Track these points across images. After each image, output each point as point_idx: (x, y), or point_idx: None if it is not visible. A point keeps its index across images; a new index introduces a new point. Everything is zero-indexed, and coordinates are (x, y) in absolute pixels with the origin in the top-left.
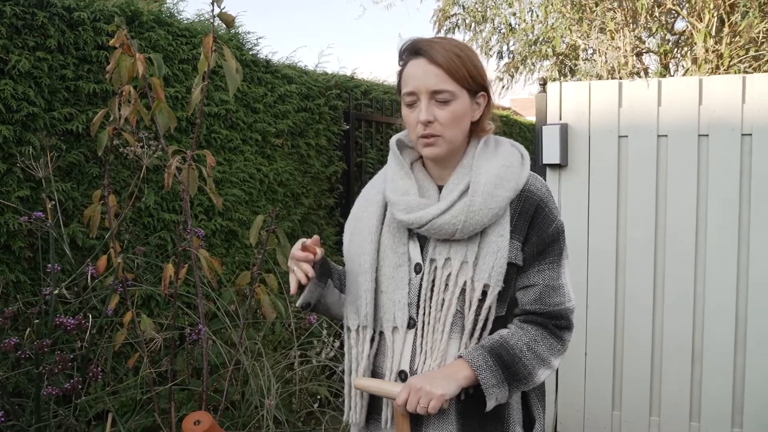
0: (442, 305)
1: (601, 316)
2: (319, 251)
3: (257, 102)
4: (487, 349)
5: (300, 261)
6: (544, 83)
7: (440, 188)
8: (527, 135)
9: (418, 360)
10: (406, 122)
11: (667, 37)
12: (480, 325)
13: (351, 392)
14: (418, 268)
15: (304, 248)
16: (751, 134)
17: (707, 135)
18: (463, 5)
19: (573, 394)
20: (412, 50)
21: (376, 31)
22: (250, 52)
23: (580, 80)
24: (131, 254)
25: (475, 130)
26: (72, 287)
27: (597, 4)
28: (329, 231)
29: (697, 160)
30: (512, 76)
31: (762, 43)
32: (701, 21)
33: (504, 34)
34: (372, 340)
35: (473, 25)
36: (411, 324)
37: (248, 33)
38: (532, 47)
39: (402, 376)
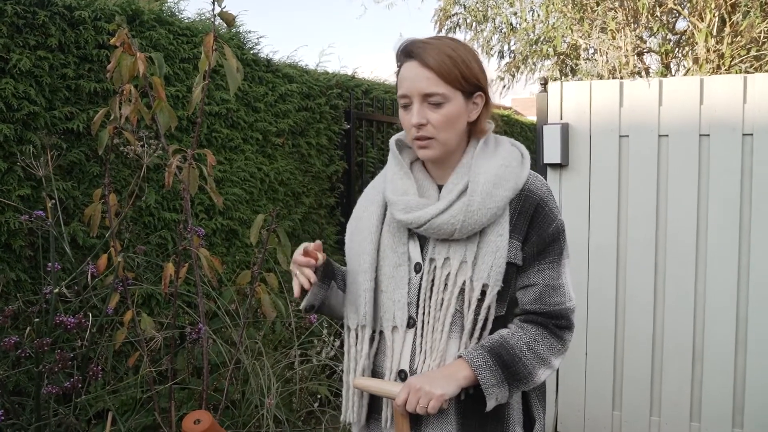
0: (441, 305)
1: (601, 316)
2: (321, 256)
3: (258, 101)
4: (486, 348)
5: (302, 266)
6: (545, 83)
7: (440, 188)
8: (528, 134)
9: (417, 359)
10: (402, 124)
11: (668, 37)
12: (479, 324)
13: (349, 391)
14: (417, 268)
15: (306, 253)
16: (752, 134)
17: (708, 135)
18: (464, 5)
19: (573, 394)
20: (405, 52)
21: (377, 31)
22: (251, 52)
23: (581, 80)
24: (132, 253)
25: (474, 130)
26: (72, 286)
27: (598, 4)
28: (330, 230)
29: (698, 160)
30: (513, 76)
31: (763, 42)
32: (702, 21)
33: (505, 33)
34: (372, 339)
35: (474, 24)
36: (411, 323)
37: (249, 32)
38: (533, 47)
39: (402, 375)
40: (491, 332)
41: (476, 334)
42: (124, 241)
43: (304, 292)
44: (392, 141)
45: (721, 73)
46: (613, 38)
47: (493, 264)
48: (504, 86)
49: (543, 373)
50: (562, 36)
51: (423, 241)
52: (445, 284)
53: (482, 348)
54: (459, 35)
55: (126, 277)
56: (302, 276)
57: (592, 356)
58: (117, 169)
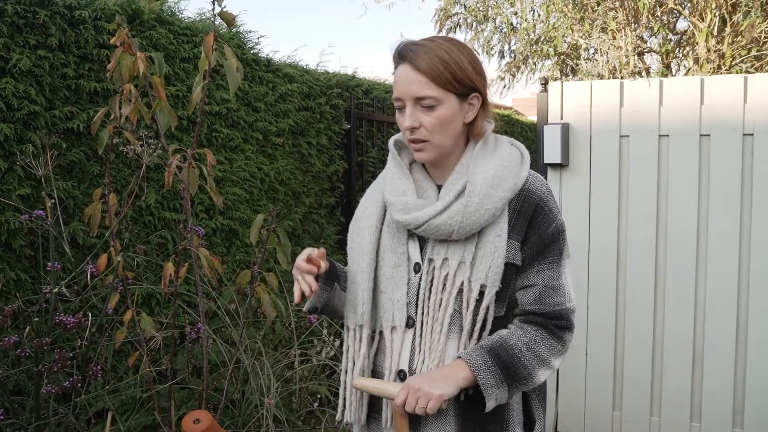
0: (440, 305)
1: (601, 317)
2: (324, 264)
3: (258, 101)
4: (486, 349)
5: (304, 272)
6: (545, 83)
7: (440, 188)
8: (529, 134)
9: (416, 360)
10: (398, 125)
11: (668, 37)
12: (478, 325)
13: (346, 390)
14: (417, 268)
15: (309, 260)
16: (752, 134)
17: (709, 135)
18: (464, 4)
19: (573, 395)
20: (399, 55)
21: (378, 31)
22: (252, 51)
23: (582, 80)
24: (132, 253)
25: (471, 131)
26: (72, 285)
27: (599, 4)
28: (330, 230)
29: (699, 160)
30: (514, 76)
31: (764, 43)
32: (703, 21)
33: (505, 33)
34: (372, 339)
35: (475, 24)
36: (410, 323)
37: (249, 32)
38: (534, 47)
39: (401, 375)
40: (491, 333)
41: (475, 334)
42: (124, 241)
43: (304, 297)
44: (391, 142)
45: (721, 73)
46: (614, 38)
47: (491, 265)
48: (504, 86)
49: (543, 374)
50: (563, 36)
51: (423, 242)
52: (444, 285)
53: (481, 348)
54: (459, 35)
55: (126, 276)
56: (303, 283)
57: (592, 356)
58: (117, 169)
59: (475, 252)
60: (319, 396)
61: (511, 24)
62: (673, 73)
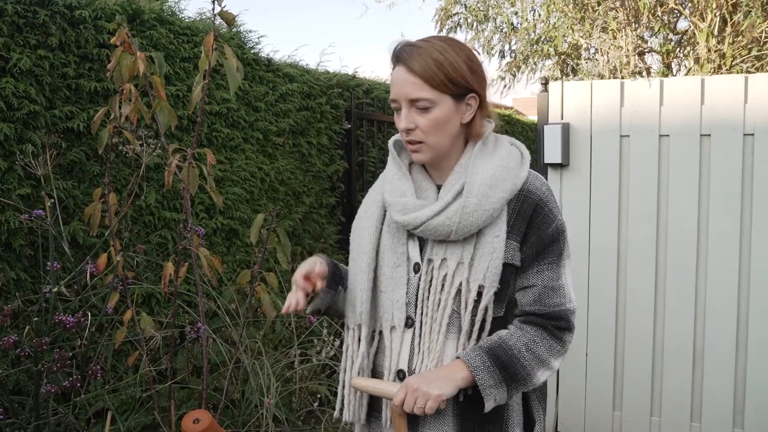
0: (439, 305)
1: (602, 317)
2: (320, 284)
3: (258, 101)
4: (485, 349)
5: (298, 287)
6: (545, 83)
7: (440, 188)
8: (529, 134)
9: (416, 359)
10: (397, 126)
11: (669, 37)
12: (477, 325)
13: (345, 389)
14: (416, 268)
15: (307, 277)
16: (753, 134)
17: (709, 135)
18: (465, 4)
19: (574, 395)
20: (395, 56)
21: (378, 31)
22: (252, 51)
23: (582, 80)
24: (132, 252)
25: (469, 132)
26: (72, 285)
27: (599, 4)
28: (330, 230)
29: (699, 160)
30: (514, 76)
31: (765, 42)
32: (704, 20)
33: (506, 33)
34: (372, 339)
35: (475, 24)
36: (409, 323)
37: (250, 32)
38: (534, 46)
39: (400, 375)
40: (491, 333)
41: (474, 335)
42: (124, 241)
43: (311, 300)
44: (391, 142)
45: (722, 73)
46: (614, 38)
47: (489, 265)
48: (505, 86)
49: (542, 375)
50: (563, 36)
51: (422, 242)
52: (443, 285)
53: (480, 349)
54: (460, 35)
55: (126, 276)
56: (293, 297)
57: (592, 356)
58: (117, 169)
59: (474, 252)
60: (319, 396)
61: (512, 24)
62: (674, 73)
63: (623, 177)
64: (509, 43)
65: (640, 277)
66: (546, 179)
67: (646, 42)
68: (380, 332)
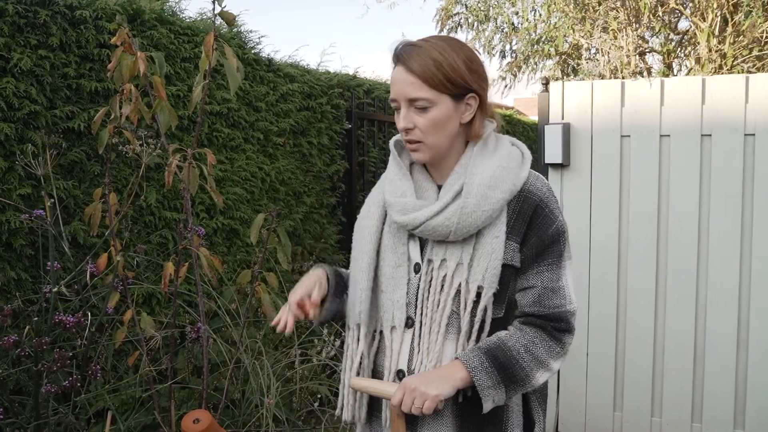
0: (438, 306)
1: (602, 317)
2: (312, 312)
3: (259, 101)
4: (483, 350)
5: (291, 310)
6: (546, 83)
7: (440, 188)
8: (530, 134)
9: (415, 360)
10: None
11: (670, 37)
12: (476, 326)
13: (345, 389)
14: (417, 268)
15: (302, 304)
16: (754, 134)
17: (710, 135)
18: (465, 4)
19: (574, 395)
20: (395, 56)
21: (379, 31)
22: (252, 51)
23: (583, 80)
24: (132, 252)
25: (469, 132)
26: (72, 285)
27: (600, 4)
28: (331, 230)
29: (700, 160)
30: (515, 76)
31: (765, 42)
32: (704, 20)
33: (507, 33)
34: (373, 338)
35: (476, 24)
36: (409, 323)
37: (250, 32)
38: (535, 46)
39: (400, 375)
40: (491, 334)
41: (473, 335)
42: (124, 240)
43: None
44: (392, 142)
45: (723, 73)
46: (615, 38)
47: (488, 266)
48: (506, 86)
49: (541, 376)
50: (564, 36)
51: (423, 242)
52: (442, 285)
53: (479, 350)
54: (460, 35)
55: (126, 276)
56: (285, 317)
57: (593, 357)
58: (118, 169)
59: (473, 253)
60: (319, 396)
61: (513, 24)
62: (675, 73)
63: (624, 177)
64: (510, 43)
65: (640, 277)
66: (546, 179)
67: (647, 42)
68: (381, 332)
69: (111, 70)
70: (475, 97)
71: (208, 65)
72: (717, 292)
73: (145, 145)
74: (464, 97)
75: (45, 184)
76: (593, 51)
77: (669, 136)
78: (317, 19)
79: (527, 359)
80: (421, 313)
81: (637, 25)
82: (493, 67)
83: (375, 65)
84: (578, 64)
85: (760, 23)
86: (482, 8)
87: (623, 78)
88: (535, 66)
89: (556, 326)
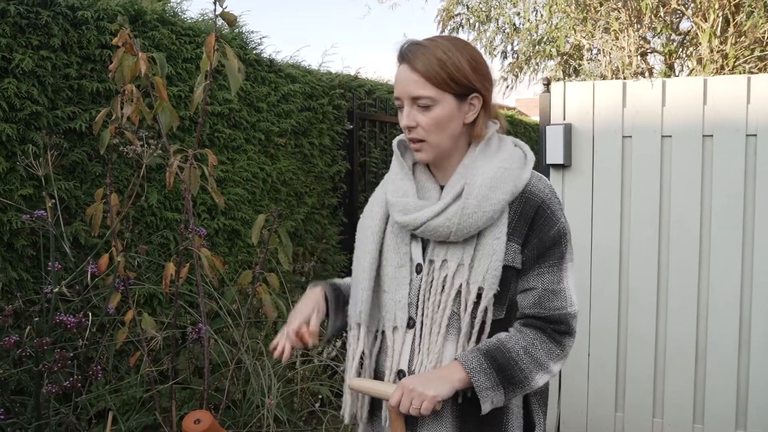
0: (439, 306)
1: (604, 317)
2: (310, 342)
3: (260, 101)
4: (482, 351)
5: (289, 339)
6: (547, 83)
7: (443, 188)
8: (532, 135)
9: (415, 360)
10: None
11: (671, 37)
12: (476, 327)
13: (346, 388)
14: (419, 269)
15: (300, 334)
16: (756, 135)
17: (712, 135)
18: (467, 5)
19: (576, 396)
20: (399, 55)
21: (381, 31)
22: (254, 52)
23: (584, 80)
24: (134, 253)
25: (472, 132)
26: (73, 285)
27: (601, 4)
28: (332, 230)
29: (702, 161)
30: (516, 76)
31: (767, 43)
32: (706, 21)
33: (508, 33)
34: (375, 339)
35: (477, 24)
36: (410, 324)
37: (252, 32)
38: (536, 47)
39: (400, 375)
40: (491, 335)
41: (473, 336)
42: (125, 241)
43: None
44: (395, 142)
45: (724, 74)
46: (617, 39)
47: (488, 267)
48: (507, 86)
49: (540, 378)
50: (565, 36)
51: (425, 243)
52: (443, 286)
53: (478, 351)
54: (462, 36)
55: (127, 276)
56: (283, 343)
57: (594, 357)
58: (119, 169)
59: (474, 254)
60: (320, 396)
61: (514, 24)
62: (676, 74)
63: (625, 178)
64: (511, 44)
65: (642, 277)
66: (548, 180)
67: (649, 42)
68: (383, 332)
69: (112, 70)
70: (479, 98)
71: (209, 66)
72: (718, 292)
73: (146, 145)
74: (468, 97)
75: (46, 184)
76: (595, 51)
77: (670, 136)
78: (319, 20)
79: (526, 361)
80: (422, 314)
81: (639, 26)
82: (494, 68)
83: (376, 66)
84: (580, 65)
85: (762, 23)
86: (483, 9)
87: (625, 79)
88: (536, 66)
89: (556, 328)
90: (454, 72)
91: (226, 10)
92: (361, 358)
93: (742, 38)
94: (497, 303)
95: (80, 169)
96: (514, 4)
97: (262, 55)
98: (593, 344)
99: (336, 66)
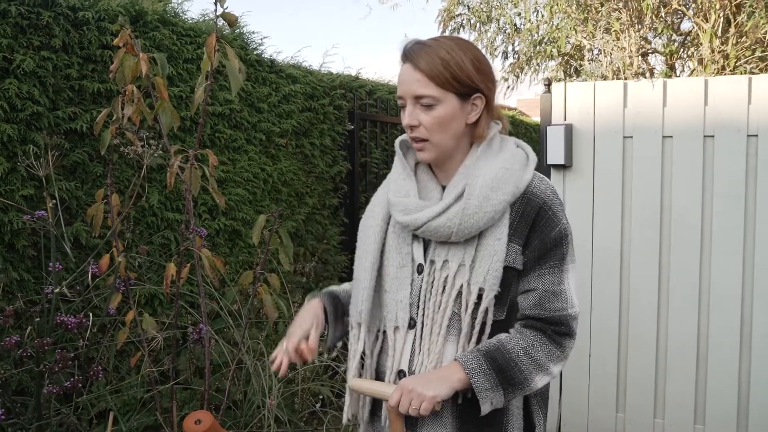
0: (439, 307)
1: (605, 318)
2: (309, 358)
3: (261, 102)
4: (482, 352)
5: (288, 354)
6: (548, 84)
7: (445, 188)
8: (533, 135)
9: (416, 360)
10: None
11: (672, 38)
12: (477, 328)
13: (348, 388)
14: (420, 269)
15: (300, 351)
16: (757, 135)
17: (713, 136)
18: (468, 5)
19: (577, 396)
20: (403, 54)
21: (382, 32)
22: (255, 52)
23: (585, 81)
24: (134, 253)
25: (474, 133)
26: (74, 286)
27: (602, 5)
28: (333, 231)
29: (703, 162)
30: (517, 77)
31: None
32: (707, 21)
33: (509, 34)
34: (377, 339)
35: (478, 25)
36: (412, 324)
37: (253, 33)
38: (537, 47)
39: (401, 375)
40: (492, 336)
41: (474, 337)
42: (126, 241)
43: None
44: (397, 142)
45: (725, 74)
46: (617, 39)
47: (489, 268)
48: (508, 87)
49: (540, 380)
50: (566, 37)
51: (426, 243)
52: (444, 287)
53: (478, 351)
54: (463, 36)
55: (128, 277)
56: (280, 358)
57: (595, 358)
58: (120, 170)
59: (475, 255)
60: (321, 397)
61: (515, 25)
62: (677, 74)
63: (626, 178)
64: (512, 44)
65: (643, 278)
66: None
67: (650, 43)
68: (384, 332)
69: (113, 71)
70: (482, 98)
71: (210, 66)
72: (719, 293)
73: (147, 146)
74: (470, 97)
75: (47, 185)
76: (596, 52)
77: (671, 137)
78: (320, 20)
79: (526, 362)
80: (423, 314)
81: (640, 26)
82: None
83: (377, 66)
84: (581, 65)
85: (763, 24)
86: (484, 9)
87: (626, 79)
88: (537, 67)
89: (556, 330)
90: (458, 72)
91: (227, 11)
92: (362, 357)
93: (743, 39)
94: (498, 304)
95: (81, 169)
96: (515, 4)
97: (263, 55)
98: (594, 344)
99: (337, 66)
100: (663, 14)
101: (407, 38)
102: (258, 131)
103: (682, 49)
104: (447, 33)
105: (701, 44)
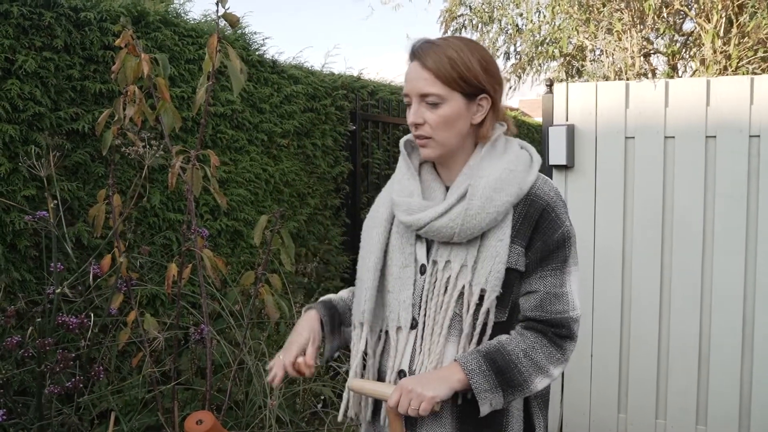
0: (441, 307)
1: (607, 318)
2: (308, 373)
3: (263, 102)
4: (482, 353)
5: (286, 368)
6: (550, 84)
7: (449, 189)
8: (535, 136)
9: (417, 361)
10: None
11: (674, 38)
12: (478, 329)
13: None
14: (423, 269)
15: (298, 367)
16: (759, 136)
17: (715, 136)
18: (470, 6)
19: (578, 397)
20: (411, 53)
21: (384, 32)
22: (257, 53)
23: (587, 81)
24: (136, 254)
25: (478, 134)
26: (76, 286)
27: (604, 5)
28: (335, 231)
29: (705, 162)
30: (519, 77)
31: None
32: (709, 22)
33: (511, 34)
34: (379, 338)
35: (480, 25)
36: (413, 324)
37: (255, 33)
38: (539, 48)
39: (401, 375)
40: (493, 337)
41: (475, 338)
42: (128, 242)
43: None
44: (402, 142)
45: (727, 75)
46: (619, 39)
47: (491, 269)
48: (510, 87)
49: (540, 382)
50: (568, 37)
51: (429, 243)
52: (446, 287)
53: (478, 353)
54: (465, 36)
55: (130, 277)
56: (276, 368)
57: (597, 358)
58: (122, 170)
59: (477, 256)
60: (322, 397)
61: (517, 25)
62: (679, 75)
63: (628, 178)
64: (514, 45)
65: (645, 278)
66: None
67: (652, 43)
68: (386, 332)
69: (115, 71)
70: (488, 99)
71: (211, 67)
72: (721, 293)
73: (148, 146)
74: (477, 98)
75: (49, 185)
76: (598, 52)
77: (673, 137)
78: (321, 21)
79: (526, 364)
80: (424, 315)
81: (642, 27)
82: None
83: (379, 67)
84: (582, 66)
85: (765, 24)
86: (486, 10)
87: (627, 79)
88: (539, 67)
89: (557, 332)
90: (465, 71)
91: (228, 12)
92: (364, 357)
93: (746, 39)
94: (500, 305)
95: (83, 170)
96: (516, 5)
97: (264, 56)
98: (596, 345)
99: (339, 67)
100: (665, 15)
101: (410, 38)
102: (260, 132)
103: (684, 50)
104: (449, 33)
105: (703, 45)
